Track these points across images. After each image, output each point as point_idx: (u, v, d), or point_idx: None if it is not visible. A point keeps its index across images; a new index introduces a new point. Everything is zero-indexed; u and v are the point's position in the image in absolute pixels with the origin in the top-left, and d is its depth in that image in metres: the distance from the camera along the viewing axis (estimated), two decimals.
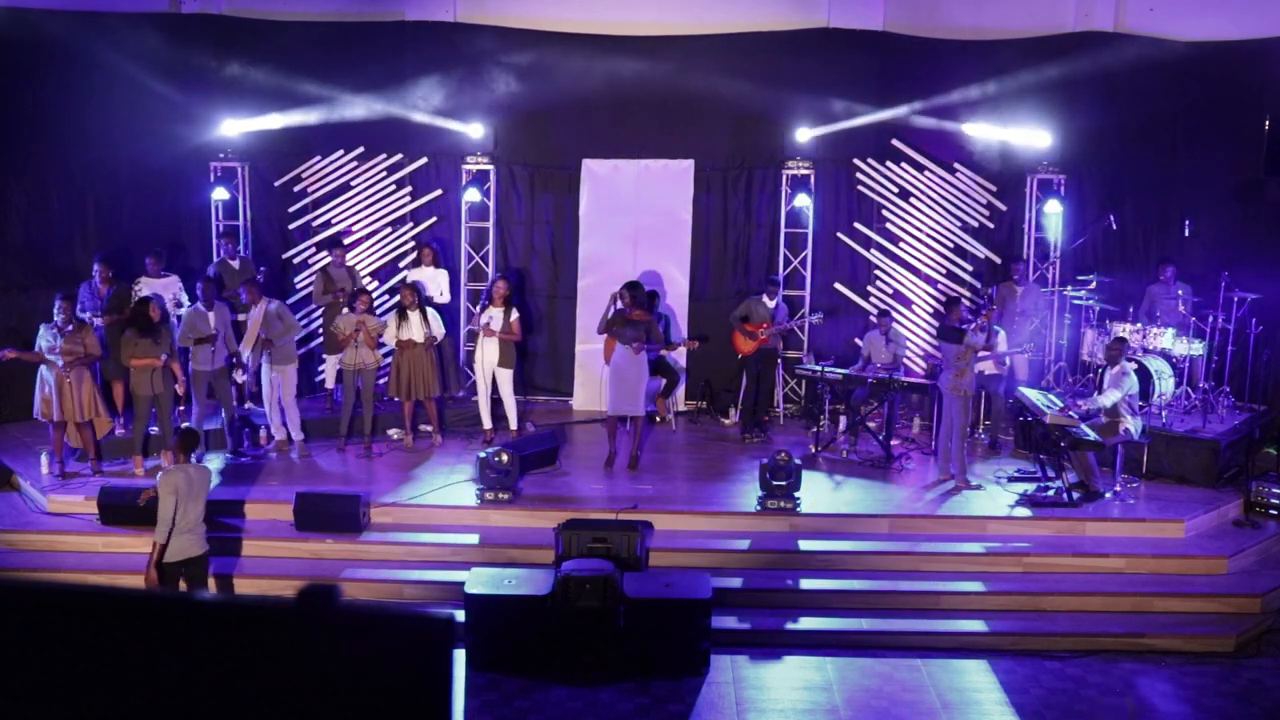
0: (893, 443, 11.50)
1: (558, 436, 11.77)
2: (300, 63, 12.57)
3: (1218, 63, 12.27)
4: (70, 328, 10.35)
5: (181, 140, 12.53)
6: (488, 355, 11.67)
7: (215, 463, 10.93)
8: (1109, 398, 10.30)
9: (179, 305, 11.54)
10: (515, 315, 11.70)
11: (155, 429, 10.83)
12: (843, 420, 12.08)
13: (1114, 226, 12.49)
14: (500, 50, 12.84)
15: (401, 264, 13.22)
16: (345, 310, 11.66)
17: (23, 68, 11.94)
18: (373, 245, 13.30)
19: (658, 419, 12.72)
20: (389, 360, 11.95)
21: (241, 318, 11.85)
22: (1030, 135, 12.64)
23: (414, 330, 11.44)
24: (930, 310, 13.19)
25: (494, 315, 11.60)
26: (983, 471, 11.13)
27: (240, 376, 11.76)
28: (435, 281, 12.55)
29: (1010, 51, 12.60)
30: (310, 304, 12.82)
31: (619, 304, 10.86)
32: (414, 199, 13.29)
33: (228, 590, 8.89)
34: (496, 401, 11.90)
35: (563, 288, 13.42)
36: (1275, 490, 10.44)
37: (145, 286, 11.51)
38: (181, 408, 11.06)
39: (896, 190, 13.16)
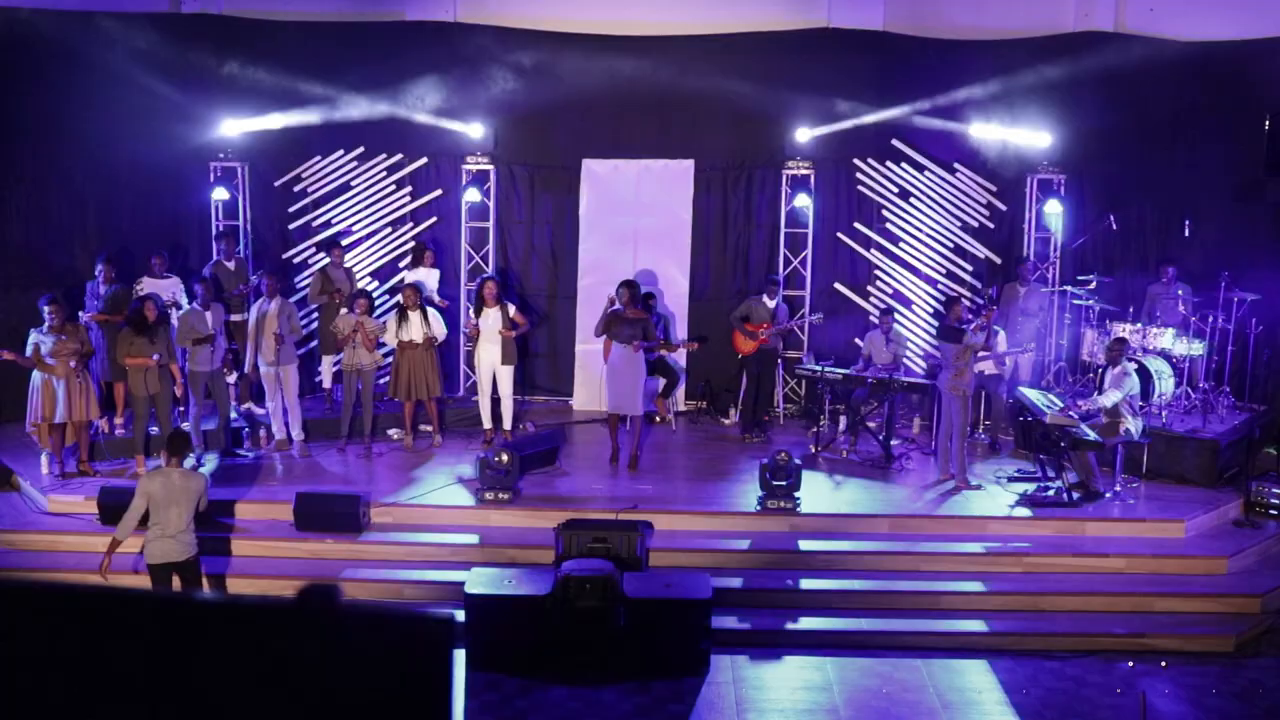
0: (893, 443, 11.50)
1: (558, 436, 11.76)
2: (300, 63, 12.56)
3: (1218, 63, 12.26)
4: (67, 329, 10.33)
5: (181, 140, 12.53)
6: (490, 354, 11.66)
7: (212, 463, 10.94)
8: (1110, 398, 10.29)
9: (176, 306, 11.53)
10: (513, 308, 11.69)
11: (156, 429, 10.83)
12: (843, 420, 12.09)
13: (1114, 226, 12.49)
14: (500, 50, 12.84)
15: (401, 264, 13.23)
16: (343, 311, 11.67)
17: (22, 68, 11.94)
18: (372, 245, 13.30)
19: (657, 419, 12.72)
20: (389, 361, 11.95)
21: (236, 318, 11.85)
22: (1030, 135, 12.65)
23: (414, 331, 11.43)
24: (930, 310, 13.19)
25: (490, 315, 11.59)
26: (983, 471, 11.13)
27: (231, 377, 11.75)
28: (429, 281, 12.56)
29: (1010, 51, 12.60)
30: (310, 304, 12.81)
31: (616, 304, 10.85)
32: (414, 199, 13.28)
33: (225, 590, 8.89)
34: (496, 401, 11.90)
35: (563, 288, 13.42)
36: (1275, 490, 10.43)
37: (147, 286, 11.52)
38: (181, 408, 11.06)
39: (896, 190, 13.16)
